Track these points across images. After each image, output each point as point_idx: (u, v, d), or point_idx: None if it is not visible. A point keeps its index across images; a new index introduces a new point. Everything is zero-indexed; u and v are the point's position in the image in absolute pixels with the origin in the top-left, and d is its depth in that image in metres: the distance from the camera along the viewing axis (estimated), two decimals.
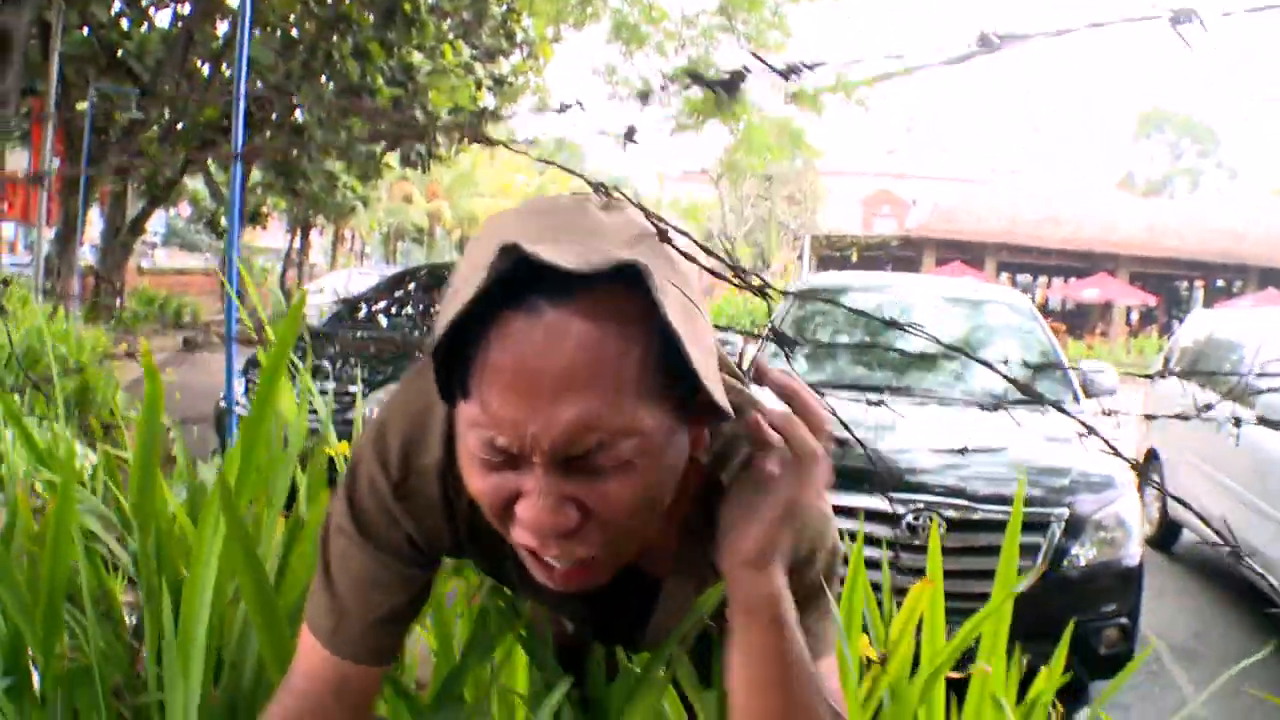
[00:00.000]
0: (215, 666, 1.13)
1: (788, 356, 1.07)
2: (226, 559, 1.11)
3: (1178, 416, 1.23)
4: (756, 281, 0.96)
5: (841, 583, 0.92)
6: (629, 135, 1.00)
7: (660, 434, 0.77)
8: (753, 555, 0.83)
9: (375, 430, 0.94)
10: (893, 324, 1.13)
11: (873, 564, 3.24)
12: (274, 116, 14.79)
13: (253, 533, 1.28)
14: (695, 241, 0.87)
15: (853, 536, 2.90)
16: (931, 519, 3.10)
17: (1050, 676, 1.37)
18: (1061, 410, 0.94)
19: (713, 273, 0.96)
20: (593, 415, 0.73)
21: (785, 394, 0.85)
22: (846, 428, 1.18)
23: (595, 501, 0.77)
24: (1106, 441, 0.89)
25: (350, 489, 0.94)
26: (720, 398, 0.78)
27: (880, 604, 1.38)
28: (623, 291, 0.73)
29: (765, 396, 0.94)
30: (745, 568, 0.84)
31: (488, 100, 16.41)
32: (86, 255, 17.05)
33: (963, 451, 1.26)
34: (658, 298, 0.71)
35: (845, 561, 0.89)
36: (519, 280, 0.73)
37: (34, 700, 1.11)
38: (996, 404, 1.19)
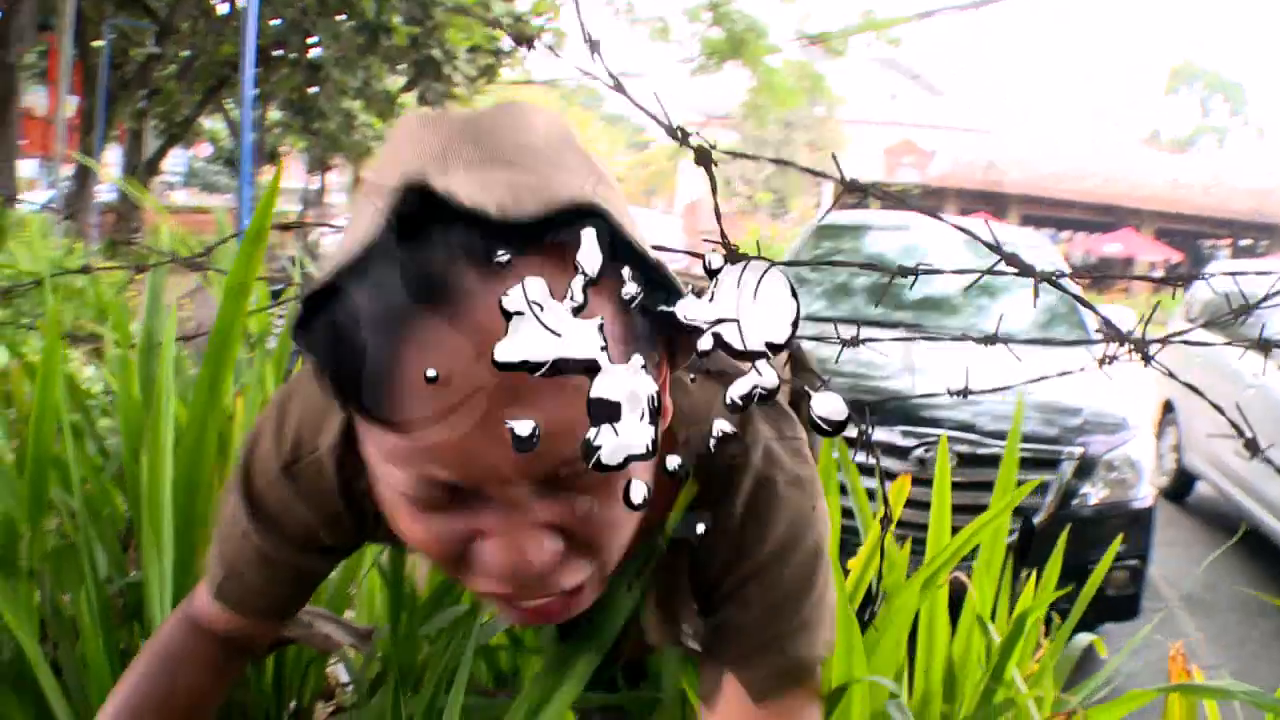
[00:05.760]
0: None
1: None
2: (193, 437, 1.10)
3: (1172, 338, 1.20)
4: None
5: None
6: (617, 86, 0.91)
7: None
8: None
9: (279, 400, 0.80)
10: (908, 271, 1.12)
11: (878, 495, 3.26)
12: (290, 54, 14.75)
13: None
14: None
15: (868, 471, 2.91)
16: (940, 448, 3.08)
17: (1040, 593, 1.37)
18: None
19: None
20: (568, 419, 0.52)
21: None
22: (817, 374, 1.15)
23: (578, 523, 0.59)
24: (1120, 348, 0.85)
25: (248, 462, 0.80)
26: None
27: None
28: (566, 236, 0.54)
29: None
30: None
31: (505, 41, 16.34)
32: (107, 193, 17.14)
33: (964, 393, 1.25)
34: (627, 232, 0.55)
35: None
36: (423, 227, 0.53)
37: (22, 573, 1.12)
38: (992, 339, 1.19)
